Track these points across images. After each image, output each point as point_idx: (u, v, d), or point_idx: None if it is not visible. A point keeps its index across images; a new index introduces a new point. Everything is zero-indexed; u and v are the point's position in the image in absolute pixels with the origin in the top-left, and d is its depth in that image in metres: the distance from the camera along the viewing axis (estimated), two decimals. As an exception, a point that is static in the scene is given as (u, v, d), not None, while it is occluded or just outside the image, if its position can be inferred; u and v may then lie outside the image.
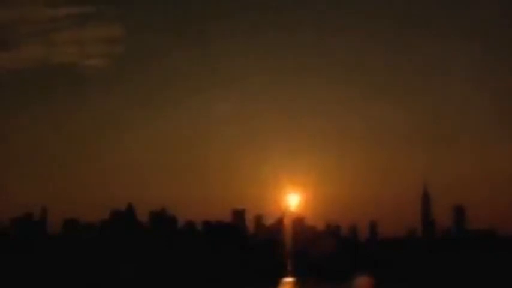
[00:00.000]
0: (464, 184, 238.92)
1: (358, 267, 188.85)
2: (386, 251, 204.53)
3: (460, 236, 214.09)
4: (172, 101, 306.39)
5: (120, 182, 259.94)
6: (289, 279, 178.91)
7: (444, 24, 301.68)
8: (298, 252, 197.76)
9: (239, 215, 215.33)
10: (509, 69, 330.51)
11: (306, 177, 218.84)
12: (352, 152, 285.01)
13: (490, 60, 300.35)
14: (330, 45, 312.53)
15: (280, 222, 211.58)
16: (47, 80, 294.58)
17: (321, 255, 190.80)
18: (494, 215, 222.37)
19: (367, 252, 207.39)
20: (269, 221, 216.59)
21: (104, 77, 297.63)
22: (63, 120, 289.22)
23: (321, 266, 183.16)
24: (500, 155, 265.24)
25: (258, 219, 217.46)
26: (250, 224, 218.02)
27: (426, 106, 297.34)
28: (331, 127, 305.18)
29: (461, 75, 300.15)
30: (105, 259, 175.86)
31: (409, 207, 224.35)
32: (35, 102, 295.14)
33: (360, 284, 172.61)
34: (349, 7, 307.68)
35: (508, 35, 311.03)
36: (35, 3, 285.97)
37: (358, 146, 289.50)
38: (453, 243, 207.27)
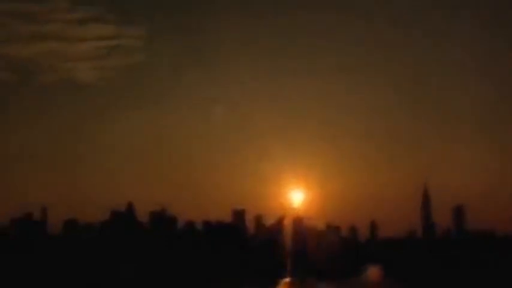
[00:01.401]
0: (464, 184, 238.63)
1: (358, 267, 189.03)
2: (386, 251, 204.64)
3: (460, 237, 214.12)
4: (171, 101, 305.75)
5: (120, 182, 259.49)
6: (289, 279, 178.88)
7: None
8: (298, 252, 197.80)
9: (239, 215, 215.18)
10: None
11: (305, 178, 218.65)
12: (352, 151, 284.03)
13: (494, 61, 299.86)
14: (330, 45, 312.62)
15: (280, 222, 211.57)
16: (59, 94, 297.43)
17: (321, 256, 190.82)
18: (494, 215, 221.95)
19: (367, 252, 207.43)
20: (269, 221, 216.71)
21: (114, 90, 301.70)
22: (64, 122, 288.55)
23: (321, 266, 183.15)
24: (500, 155, 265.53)
25: (258, 219, 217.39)
26: (250, 224, 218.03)
27: (427, 106, 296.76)
28: (331, 126, 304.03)
29: (462, 76, 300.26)
30: (105, 259, 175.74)
31: (409, 207, 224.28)
32: (39, 108, 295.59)
33: (370, 275, 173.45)
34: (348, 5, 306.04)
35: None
36: (64, 39, 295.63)
37: (358, 145, 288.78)
38: (453, 244, 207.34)
